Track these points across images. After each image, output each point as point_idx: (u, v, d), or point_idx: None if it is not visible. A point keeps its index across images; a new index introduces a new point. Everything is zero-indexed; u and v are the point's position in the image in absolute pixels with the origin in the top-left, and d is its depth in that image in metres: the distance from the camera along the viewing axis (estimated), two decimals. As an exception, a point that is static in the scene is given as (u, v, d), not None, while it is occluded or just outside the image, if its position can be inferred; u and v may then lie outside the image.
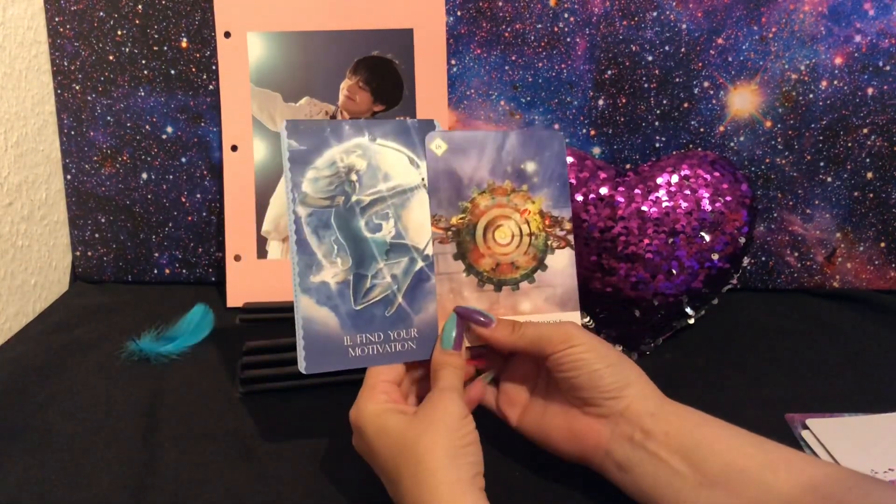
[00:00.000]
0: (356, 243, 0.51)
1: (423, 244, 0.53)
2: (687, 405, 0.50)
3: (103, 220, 0.86)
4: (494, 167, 0.54)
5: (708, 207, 0.69)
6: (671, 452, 0.46)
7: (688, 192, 0.70)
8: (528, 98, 0.83)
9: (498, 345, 0.52)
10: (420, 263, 0.53)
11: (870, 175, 0.83)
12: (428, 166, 0.53)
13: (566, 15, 0.81)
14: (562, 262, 0.56)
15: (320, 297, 0.50)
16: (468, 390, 0.52)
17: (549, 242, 0.56)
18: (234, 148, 0.81)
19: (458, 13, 0.81)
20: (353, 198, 0.51)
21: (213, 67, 0.82)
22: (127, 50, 0.82)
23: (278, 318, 0.77)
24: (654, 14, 0.80)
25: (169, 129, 0.84)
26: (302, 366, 0.50)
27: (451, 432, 0.45)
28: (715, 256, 0.69)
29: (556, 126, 0.83)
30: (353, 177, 0.51)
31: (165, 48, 0.82)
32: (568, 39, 0.81)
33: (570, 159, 0.72)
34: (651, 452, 0.47)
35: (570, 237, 0.57)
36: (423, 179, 0.53)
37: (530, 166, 0.55)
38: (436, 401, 0.47)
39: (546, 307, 0.55)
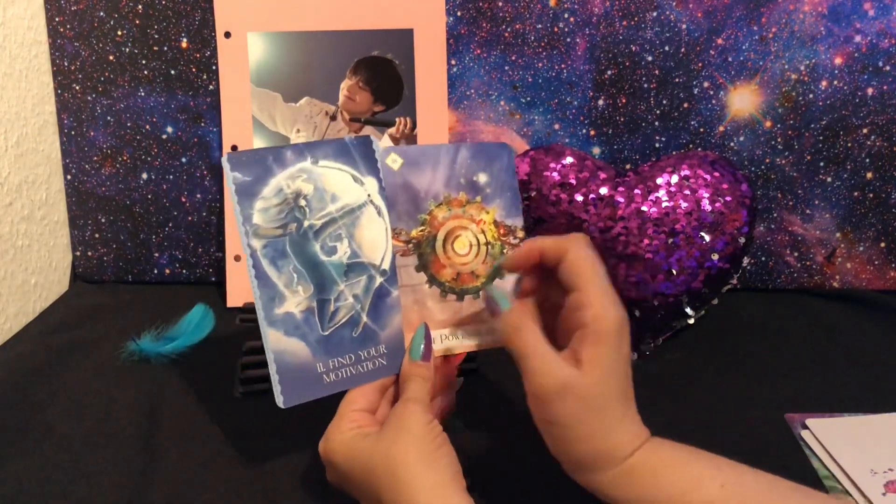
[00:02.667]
0: (314, 268, 0.51)
1: (378, 260, 0.53)
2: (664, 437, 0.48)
3: (103, 220, 0.86)
4: (449, 179, 0.56)
5: (708, 207, 0.69)
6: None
7: (688, 192, 0.70)
8: (528, 98, 0.83)
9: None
10: (378, 279, 0.53)
11: (870, 175, 0.83)
12: (385, 181, 0.54)
13: (566, 15, 0.81)
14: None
15: (288, 328, 0.50)
16: (436, 403, 0.52)
17: (504, 251, 0.57)
18: (234, 148, 0.81)
19: (458, 13, 0.81)
20: (305, 223, 0.51)
21: (213, 67, 0.82)
22: (127, 50, 0.82)
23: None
24: (654, 14, 0.80)
25: (169, 129, 0.84)
26: (280, 400, 0.49)
27: (419, 439, 0.45)
28: (715, 256, 0.69)
29: (557, 126, 0.83)
30: (302, 202, 0.51)
31: (165, 48, 0.82)
32: (568, 39, 0.81)
33: (570, 160, 0.72)
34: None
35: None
36: (368, 196, 0.53)
37: (482, 178, 0.56)
38: (399, 413, 0.47)
39: None
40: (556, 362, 0.45)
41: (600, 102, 0.83)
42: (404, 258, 0.54)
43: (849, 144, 0.82)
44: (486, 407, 0.64)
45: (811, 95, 0.81)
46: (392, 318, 0.53)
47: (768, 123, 0.82)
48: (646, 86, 0.82)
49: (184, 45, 0.82)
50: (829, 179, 0.83)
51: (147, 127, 0.84)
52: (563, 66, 0.82)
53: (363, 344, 0.52)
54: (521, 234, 0.57)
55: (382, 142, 0.80)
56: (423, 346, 0.51)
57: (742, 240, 0.70)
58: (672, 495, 0.43)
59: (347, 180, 0.53)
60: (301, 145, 0.52)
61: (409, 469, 0.43)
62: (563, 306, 0.48)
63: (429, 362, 0.51)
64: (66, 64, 0.82)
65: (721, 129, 0.83)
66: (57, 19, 0.81)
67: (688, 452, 0.46)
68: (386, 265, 0.53)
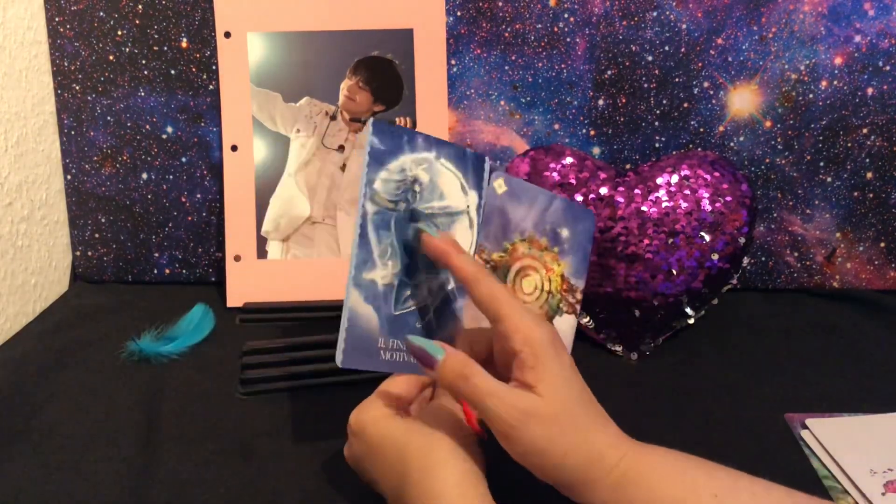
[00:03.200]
0: (407, 251, 0.52)
1: None
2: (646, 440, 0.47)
3: (103, 220, 0.86)
4: (538, 222, 0.58)
5: (708, 207, 0.69)
6: None
7: (688, 192, 0.70)
8: (528, 98, 0.83)
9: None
10: (451, 284, 0.54)
11: (870, 175, 0.83)
12: (486, 202, 0.56)
13: (566, 15, 0.81)
14: (565, 326, 0.60)
15: (368, 295, 0.50)
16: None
17: (560, 305, 0.59)
18: (234, 148, 0.81)
19: (458, 13, 0.81)
20: (413, 206, 0.53)
21: (213, 67, 0.82)
22: (127, 50, 0.82)
23: (278, 318, 0.78)
24: (654, 14, 0.80)
25: (169, 129, 0.84)
26: (339, 359, 0.50)
27: (457, 429, 0.46)
28: (715, 256, 0.69)
29: (557, 126, 0.83)
30: (417, 187, 0.53)
31: (165, 48, 0.82)
32: (568, 39, 0.81)
33: (570, 160, 0.72)
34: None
35: (579, 307, 0.61)
36: (468, 206, 0.55)
37: (565, 232, 0.60)
38: (438, 406, 0.49)
39: None
40: (511, 394, 0.44)
41: (600, 102, 0.83)
42: None
43: (849, 144, 0.82)
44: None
45: (811, 95, 0.81)
46: (451, 325, 0.54)
47: (768, 123, 0.82)
48: (646, 86, 0.82)
49: (184, 45, 0.82)
50: (829, 179, 0.83)
51: (147, 127, 0.84)
52: (563, 66, 0.82)
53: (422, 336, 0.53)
54: (579, 295, 0.61)
55: None
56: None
57: (742, 240, 0.70)
58: None
59: (456, 185, 0.55)
60: (431, 138, 0.54)
61: (443, 451, 0.44)
62: (489, 349, 0.49)
63: None
64: (66, 64, 0.82)
65: (721, 129, 0.83)
66: (57, 19, 0.81)
67: (678, 459, 0.45)
68: None
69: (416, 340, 0.47)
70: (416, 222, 0.53)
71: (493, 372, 0.46)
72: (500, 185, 0.57)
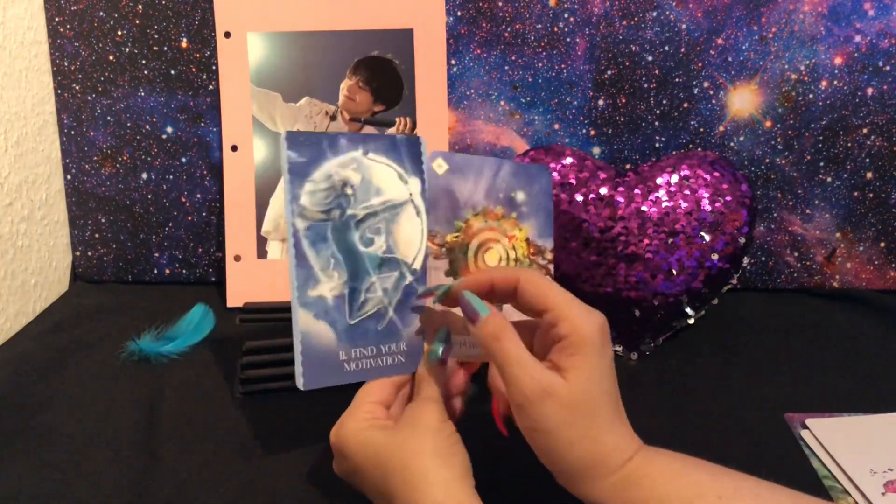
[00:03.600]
0: (351, 257, 0.51)
1: (411, 259, 0.54)
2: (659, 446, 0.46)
3: (103, 220, 0.86)
4: (489, 192, 0.56)
5: (708, 207, 0.69)
6: None
7: (688, 192, 0.70)
8: (528, 98, 0.83)
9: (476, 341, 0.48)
10: (409, 278, 0.53)
11: (870, 175, 0.83)
12: (428, 184, 0.54)
13: (566, 15, 0.81)
14: None
15: (318, 312, 0.50)
16: (450, 404, 0.52)
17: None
18: (234, 148, 0.81)
19: (458, 13, 0.81)
20: (349, 211, 0.52)
21: (213, 67, 0.82)
22: (127, 50, 0.82)
23: (278, 318, 0.77)
24: (654, 14, 0.80)
25: (169, 129, 0.84)
26: (300, 382, 0.50)
27: (435, 434, 0.45)
28: (715, 256, 0.69)
29: (557, 126, 0.83)
30: (349, 190, 0.52)
31: (165, 48, 0.82)
32: (568, 39, 0.81)
33: (569, 159, 0.72)
34: None
35: (551, 266, 0.59)
36: (410, 195, 0.54)
37: (520, 196, 0.57)
38: (416, 409, 0.47)
39: None
40: (536, 368, 0.44)
41: (600, 102, 0.83)
42: (436, 261, 0.55)
43: (849, 144, 0.82)
44: (483, 408, 0.64)
45: (811, 95, 0.81)
46: (415, 317, 0.53)
47: (768, 123, 0.82)
48: (646, 86, 0.82)
49: (184, 45, 0.82)
50: (829, 179, 0.83)
51: (147, 127, 0.84)
52: (563, 66, 0.82)
53: (386, 338, 0.52)
54: (549, 255, 0.58)
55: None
56: (442, 350, 0.51)
57: (742, 240, 0.70)
58: None
59: (393, 176, 0.53)
60: (355, 135, 0.53)
61: (423, 462, 0.44)
62: (534, 334, 0.48)
63: (446, 366, 0.51)
64: (66, 64, 0.82)
65: (721, 129, 0.83)
66: (57, 19, 0.81)
67: (684, 462, 0.45)
68: (418, 265, 0.54)
69: (467, 296, 0.48)
70: (357, 227, 0.51)
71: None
72: (439, 165, 0.55)
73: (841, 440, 0.58)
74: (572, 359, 0.44)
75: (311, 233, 0.50)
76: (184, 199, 0.85)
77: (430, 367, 0.51)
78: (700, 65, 0.81)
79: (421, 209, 0.54)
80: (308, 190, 0.50)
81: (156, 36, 0.81)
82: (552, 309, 0.46)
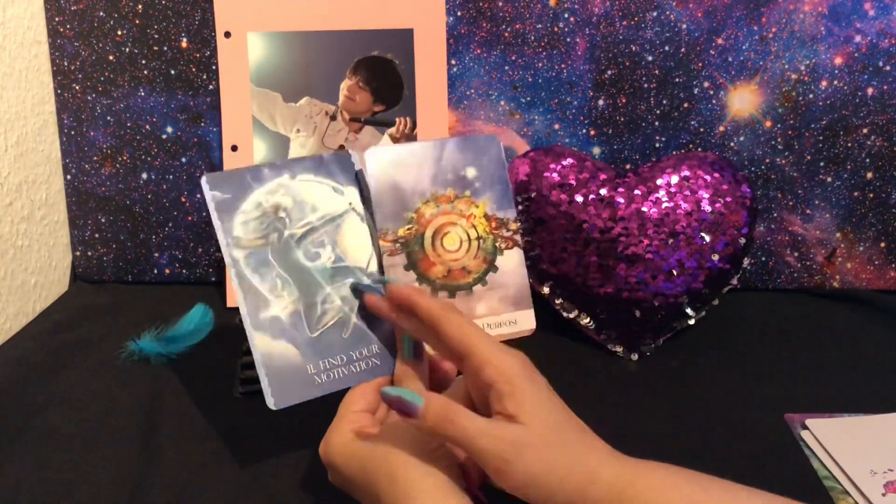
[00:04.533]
0: (298, 274, 0.52)
1: (365, 263, 0.54)
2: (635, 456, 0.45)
3: (103, 220, 0.86)
4: (435, 176, 0.55)
5: (708, 208, 0.69)
6: None
7: (688, 192, 0.70)
8: (528, 98, 0.83)
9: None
10: (366, 281, 0.53)
11: (870, 175, 0.83)
12: (369, 181, 0.54)
13: (566, 15, 0.80)
14: (512, 262, 0.57)
15: (274, 332, 0.50)
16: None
17: (497, 244, 0.56)
18: (234, 148, 0.81)
19: (458, 13, 0.81)
20: (286, 232, 0.52)
21: (213, 67, 0.82)
22: (127, 50, 0.82)
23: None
24: (654, 14, 0.80)
25: (169, 129, 0.84)
26: (270, 402, 0.50)
27: (417, 440, 0.45)
28: (715, 257, 0.69)
29: (557, 126, 0.83)
30: (282, 213, 0.52)
31: (165, 48, 0.82)
32: (568, 39, 0.81)
33: (569, 160, 0.72)
34: None
35: (518, 236, 0.58)
36: (350, 204, 0.54)
37: (471, 172, 0.56)
38: (397, 415, 0.46)
39: (501, 307, 0.56)
40: (497, 428, 0.43)
41: (600, 102, 0.83)
42: (392, 258, 0.54)
43: (849, 144, 0.82)
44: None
45: (811, 95, 0.81)
46: (382, 321, 0.53)
47: (768, 123, 0.82)
48: (646, 86, 0.82)
49: (184, 45, 0.82)
50: (829, 179, 0.83)
51: (147, 127, 0.84)
52: (563, 66, 0.82)
53: (355, 345, 0.52)
54: (513, 225, 0.57)
55: (382, 142, 0.80)
56: (414, 345, 0.50)
57: (742, 240, 0.70)
58: None
59: (327, 192, 0.54)
60: (279, 163, 0.53)
61: (408, 472, 0.43)
62: (464, 391, 0.47)
63: (422, 361, 0.50)
64: (66, 64, 0.82)
65: (721, 129, 0.83)
66: (57, 19, 0.81)
67: (676, 475, 0.44)
68: (373, 267, 0.54)
69: (391, 392, 0.45)
70: (299, 245, 0.52)
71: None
72: (374, 161, 0.54)
73: (841, 440, 0.58)
74: (513, 401, 0.43)
75: (251, 260, 0.51)
76: (184, 199, 0.85)
77: (406, 365, 0.50)
78: (700, 65, 0.81)
79: (364, 215, 0.55)
80: (240, 221, 0.51)
81: (156, 36, 0.81)
82: (473, 355, 0.45)
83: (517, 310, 0.56)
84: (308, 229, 0.53)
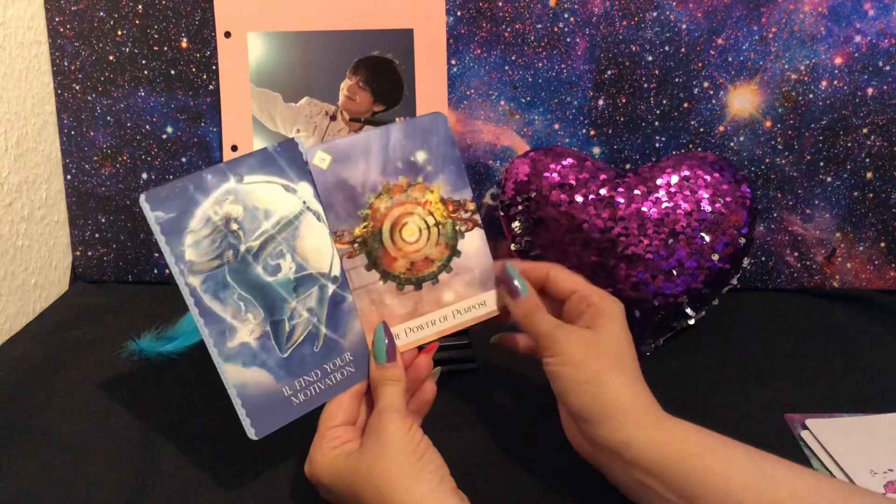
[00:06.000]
0: (261, 292, 0.49)
1: (327, 268, 0.51)
2: (683, 419, 0.47)
3: (103, 220, 0.86)
4: (384, 167, 0.53)
5: (708, 208, 0.69)
6: (659, 483, 0.44)
7: (688, 192, 0.70)
8: (528, 98, 0.83)
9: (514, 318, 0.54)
10: (331, 287, 0.51)
11: (870, 175, 0.83)
12: (316, 183, 0.51)
13: (566, 15, 0.80)
14: (474, 244, 0.55)
15: (246, 360, 0.48)
16: (418, 396, 0.52)
17: (457, 227, 0.55)
18: (234, 148, 0.81)
19: (458, 13, 0.81)
20: (242, 247, 0.48)
21: (213, 67, 0.82)
22: (127, 50, 0.82)
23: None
24: (654, 14, 0.80)
25: (169, 129, 0.84)
26: (251, 433, 0.48)
27: (400, 452, 0.44)
28: (715, 257, 0.69)
29: (557, 126, 0.83)
30: (234, 226, 0.48)
31: (165, 48, 0.82)
32: (568, 39, 0.81)
33: (569, 160, 0.72)
34: (637, 480, 0.45)
35: (477, 216, 0.56)
36: (304, 203, 0.51)
37: (420, 156, 0.54)
38: (376, 426, 0.46)
39: (468, 292, 0.55)
40: (575, 329, 0.49)
41: (600, 102, 0.83)
42: (352, 259, 0.52)
43: (849, 144, 0.82)
44: (484, 406, 0.64)
45: (811, 95, 0.81)
46: (352, 323, 0.51)
47: (768, 123, 0.82)
48: (646, 86, 0.82)
49: (184, 45, 0.82)
50: (829, 179, 0.83)
51: (147, 127, 0.84)
52: (563, 66, 0.82)
53: (327, 357, 0.50)
54: (471, 206, 0.55)
55: None
56: (385, 347, 0.50)
57: (742, 240, 0.70)
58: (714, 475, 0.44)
59: (278, 192, 0.50)
60: (222, 165, 0.49)
61: (394, 485, 0.43)
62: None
63: (395, 362, 0.50)
64: (66, 64, 0.82)
65: (721, 129, 0.83)
66: (57, 19, 0.81)
67: (713, 438, 0.47)
68: (336, 271, 0.51)
69: (510, 271, 0.53)
70: (257, 260, 0.48)
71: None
72: (321, 159, 0.51)
73: (841, 441, 0.58)
74: (601, 319, 0.49)
75: (208, 285, 0.47)
76: (184, 199, 0.85)
77: (381, 369, 0.50)
78: (700, 65, 0.81)
79: (320, 211, 0.51)
80: (190, 243, 0.47)
81: (156, 36, 0.81)
82: (581, 289, 0.52)
83: (484, 291, 0.55)
84: (264, 239, 0.49)
